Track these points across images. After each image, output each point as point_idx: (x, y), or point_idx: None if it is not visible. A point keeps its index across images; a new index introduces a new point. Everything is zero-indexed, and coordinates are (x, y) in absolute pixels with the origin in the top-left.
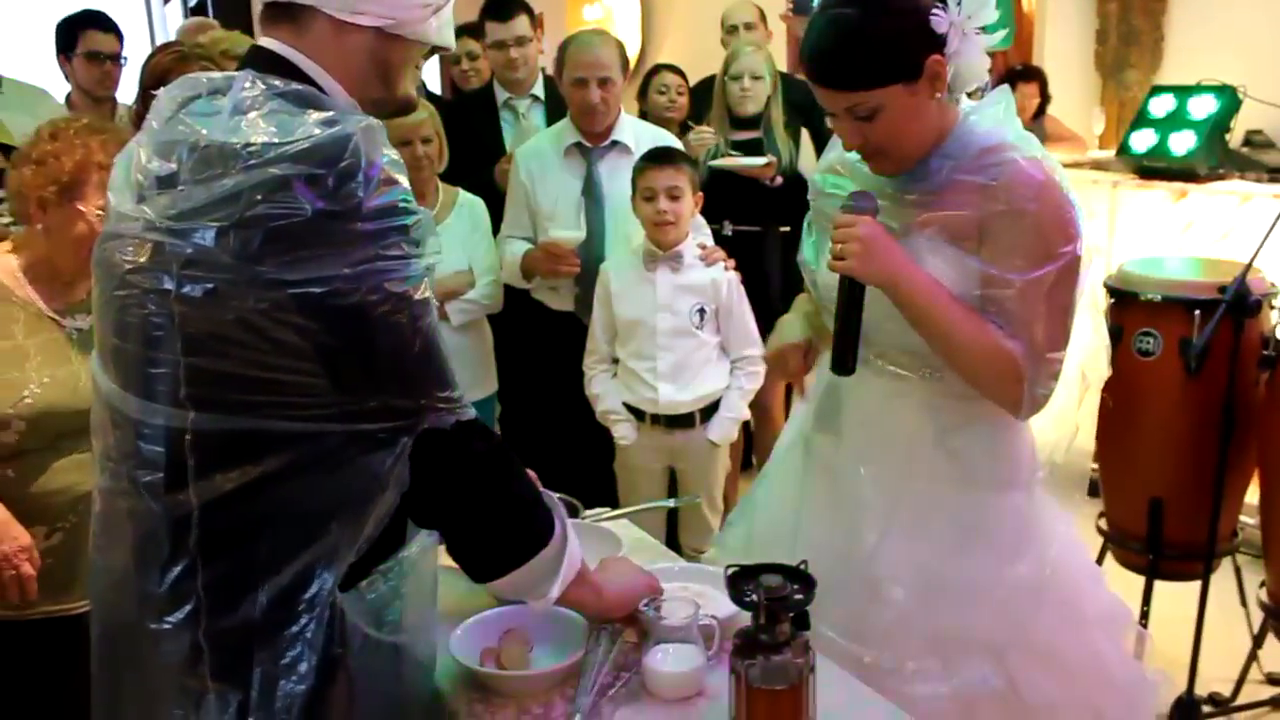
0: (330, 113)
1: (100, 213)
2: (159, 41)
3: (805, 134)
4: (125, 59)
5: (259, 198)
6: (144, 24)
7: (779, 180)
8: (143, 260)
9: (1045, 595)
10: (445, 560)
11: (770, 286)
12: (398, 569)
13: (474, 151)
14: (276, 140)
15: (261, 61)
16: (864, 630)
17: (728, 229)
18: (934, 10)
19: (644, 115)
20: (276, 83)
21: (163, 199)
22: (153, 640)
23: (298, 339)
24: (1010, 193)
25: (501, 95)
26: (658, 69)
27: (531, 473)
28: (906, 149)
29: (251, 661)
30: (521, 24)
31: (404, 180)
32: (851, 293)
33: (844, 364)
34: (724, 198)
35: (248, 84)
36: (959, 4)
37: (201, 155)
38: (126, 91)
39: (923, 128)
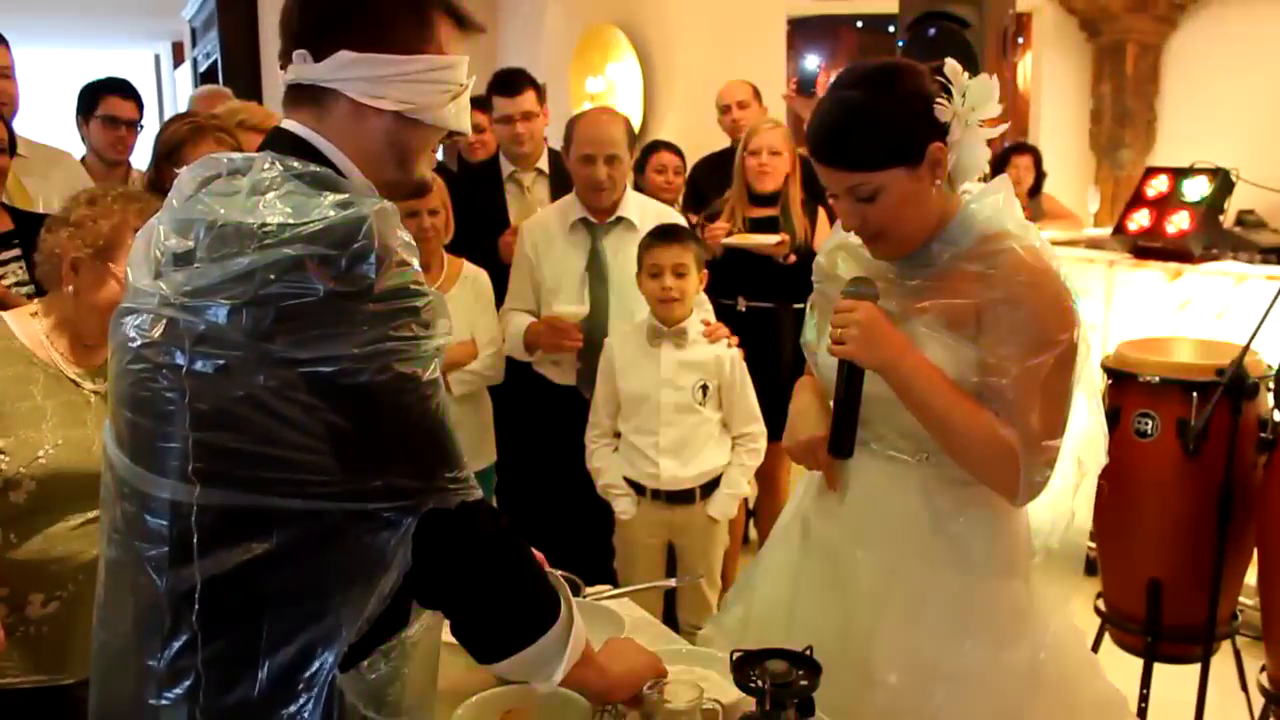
0: (345, 195)
1: None
2: (168, 104)
3: (822, 213)
4: (143, 126)
5: (272, 277)
6: (153, 88)
7: (793, 258)
8: (156, 335)
9: (1040, 683)
10: (446, 637)
11: (782, 363)
12: (400, 649)
13: (478, 223)
14: (292, 221)
15: (282, 143)
16: (858, 715)
17: (741, 305)
18: (938, 99)
19: (638, 190)
20: (295, 164)
21: (178, 275)
22: (151, 716)
23: (305, 417)
24: (1008, 281)
25: (507, 168)
26: (656, 146)
27: (539, 554)
28: (905, 233)
29: None
30: (528, 99)
31: (416, 263)
32: (850, 377)
33: (842, 447)
34: (738, 273)
35: (266, 165)
36: (963, 95)
37: (218, 234)
38: (141, 157)
39: (922, 213)
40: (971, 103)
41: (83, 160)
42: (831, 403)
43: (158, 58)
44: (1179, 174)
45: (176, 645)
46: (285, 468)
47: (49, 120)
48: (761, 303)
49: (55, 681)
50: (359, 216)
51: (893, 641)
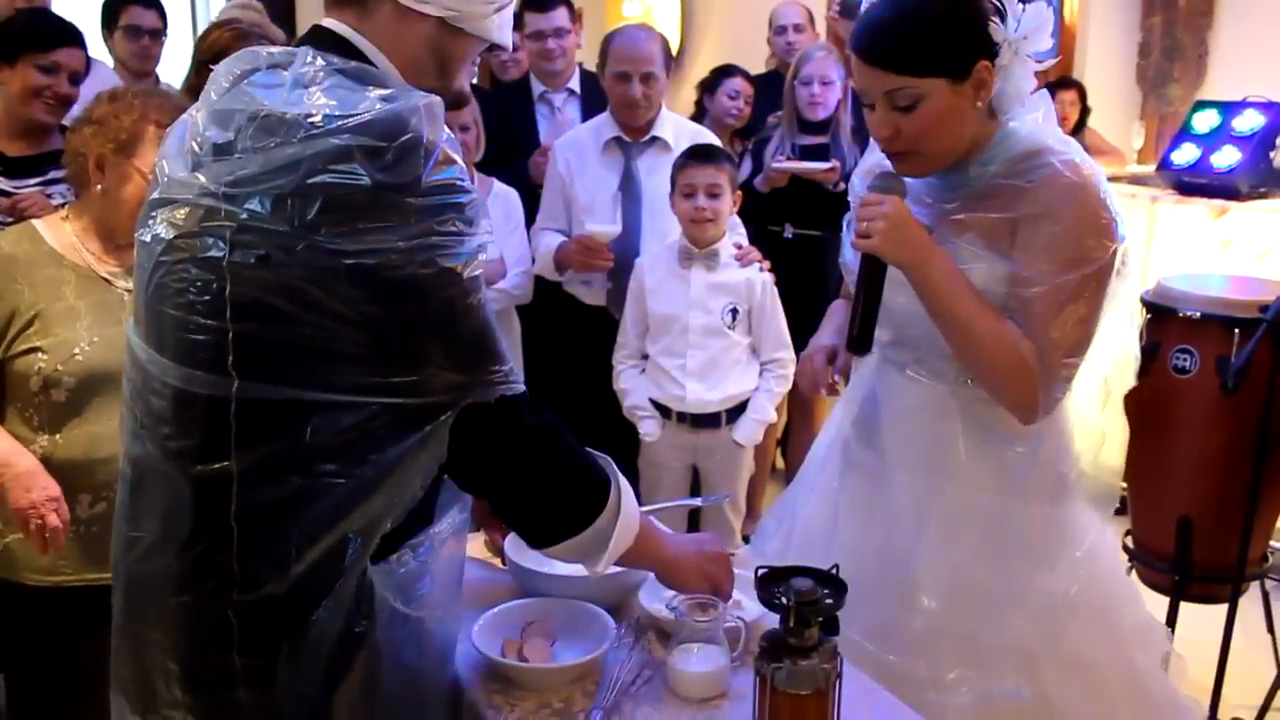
0: (390, 89)
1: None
2: (199, 19)
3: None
4: (167, 35)
5: (319, 166)
6: (186, 3)
7: (842, 185)
8: (194, 226)
9: (1079, 606)
10: (471, 550)
11: (828, 290)
12: (427, 545)
13: (508, 142)
14: (338, 113)
15: (322, 40)
16: (895, 637)
17: (788, 232)
18: (994, 19)
19: (703, 112)
20: (336, 60)
21: (219, 166)
22: (181, 613)
23: (347, 309)
24: (1046, 195)
25: (538, 88)
26: (732, 71)
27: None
28: (936, 150)
29: (280, 633)
30: (560, 15)
31: (460, 160)
32: (872, 272)
33: (862, 343)
34: (786, 200)
35: (309, 59)
36: (1018, 22)
37: (261, 124)
38: (168, 69)
39: (956, 133)
40: (1024, 30)
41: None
42: (851, 299)
43: None
44: (1229, 107)
45: (208, 540)
46: (326, 360)
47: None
48: (809, 230)
49: (107, 580)
50: (408, 109)
51: (931, 564)
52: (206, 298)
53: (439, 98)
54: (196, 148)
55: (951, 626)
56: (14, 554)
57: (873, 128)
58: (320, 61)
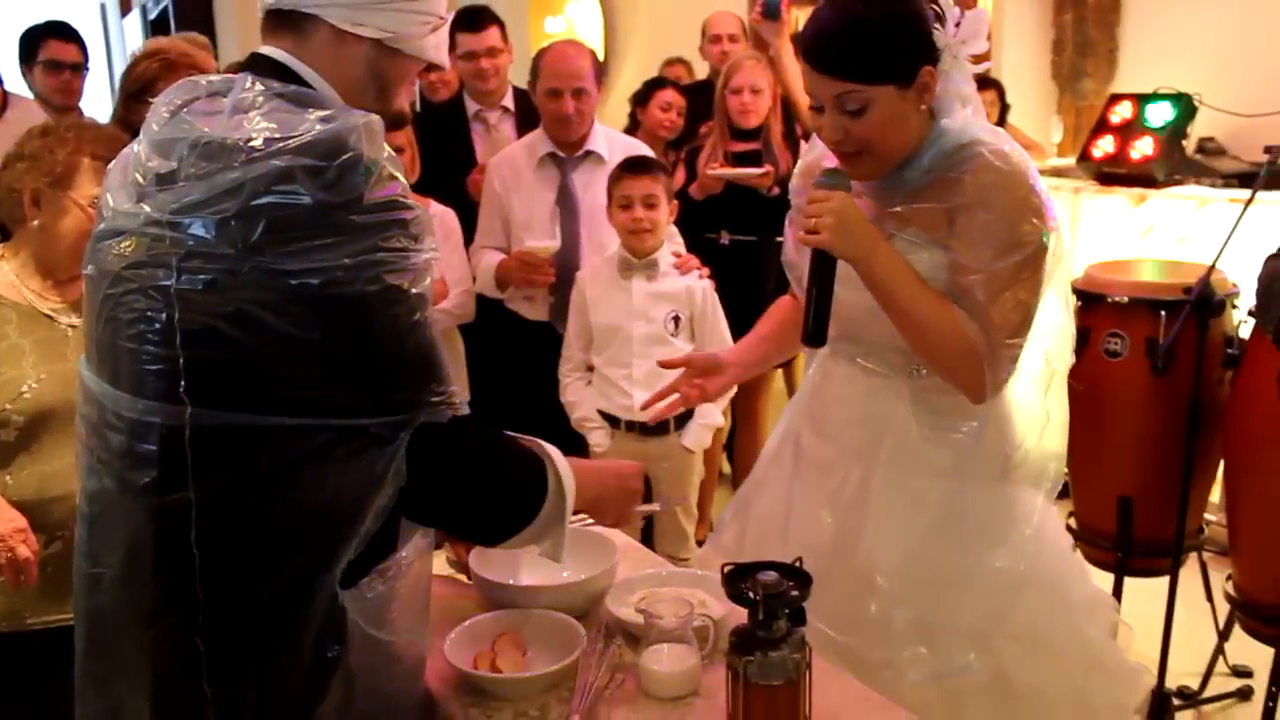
0: (330, 110)
1: (93, 203)
2: (116, 53)
3: (804, 146)
4: (88, 69)
5: (261, 188)
6: (100, 37)
7: (776, 190)
8: (141, 255)
9: (1029, 581)
10: (437, 568)
11: (765, 295)
12: (394, 570)
13: (445, 162)
14: (279, 135)
15: (260, 67)
16: (854, 622)
17: (724, 238)
18: (936, 25)
19: (636, 125)
20: (275, 85)
21: (163, 195)
22: (148, 646)
23: (296, 330)
24: (977, 184)
25: (472, 107)
26: (662, 83)
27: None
28: (884, 152)
29: (250, 662)
30: (493, 35)
31: (402, 176)
32: (822, 267)
33: (816, 337)
34: (721, 207)
35: (248, 85)
36: (956, 26)
37: (203, 151)
38: (91, 102)
39: (903, 135)
40: (964, 35)
41: None
42: (803, 293)
43: (103, 6)
44: (1142, 100)
45: (172, 571)
46: (276, 384)
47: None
48: (745, 236)
49: (66, 621)
50: (348, 128)
51: (886, 549)
52: (156, 326)
53: (378, 116)
54: (140, 179)
55: (905, 608)
56: None
57: (823, 131)
58: (259, 87)
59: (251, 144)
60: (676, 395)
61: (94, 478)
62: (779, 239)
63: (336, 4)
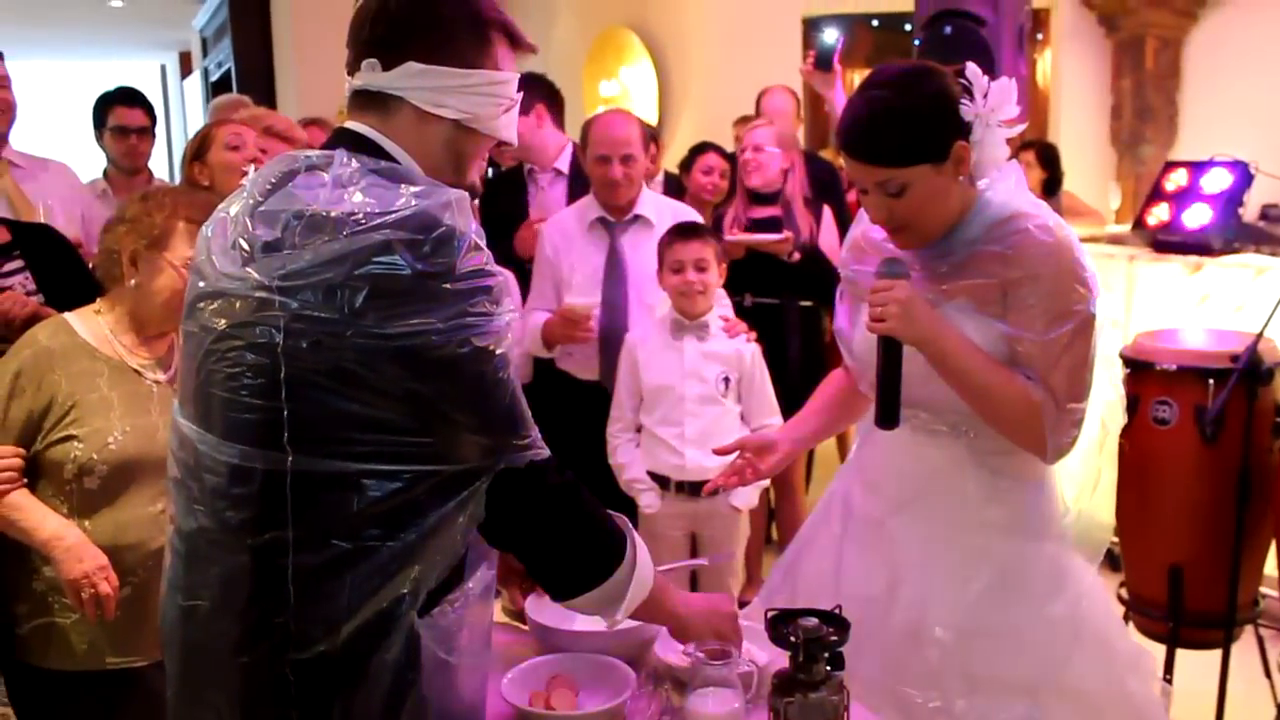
0: (423, 186)
1: (185, 263)
2: (175, 114)
3: (827, 211)
4: (154, 133)
5: (364, 259)
6: (160, 98)
7: (797, 256)
8: (247, 316)
9: (1080, 635)
10: (496, 616)
11: (789, 358)
12: (463, 599)
13: (504, 223)
14: (378, 210)
15: (349, 141)
16: (905, 670)
17: (748, 301)
18: (962, 100)
19: (681, 189)
20: (369, 161)
21: (269, 261)
22: (238, 675)
23: (392, 386)
24: (1026, 259)
25: (526, 167)
26: (705, 147)
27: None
28: (929, 225)
29: (335, 688)
30: (539, 110)
31: (485, 247)
32: (889, 352)
33: (889, 418)
34: (745, 271)
35: (345, 160)
36: (985, 97)
37: (308, 222)
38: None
39: (946, 206)
40: (992, 104)
41: (105, 173)
42: (874, 379)
43: (164, 68)
44: (1198, 167)
45: (265, 604)
46: (372, 432)
47: (62, 134)
48: (768, 299)
49: (131, 664)
50: (440, 203)
51: (943, 604)
52: (261, 380)
53: (465, 192)
54: (245, 245)
55: (960, 660)
56: (36, 641)
57: (869, 211)
58: (355, 164)
59: (354, 217)
60: (734, 474)
61: (191, 517)
62: (802, 303)
63: (421, 87)
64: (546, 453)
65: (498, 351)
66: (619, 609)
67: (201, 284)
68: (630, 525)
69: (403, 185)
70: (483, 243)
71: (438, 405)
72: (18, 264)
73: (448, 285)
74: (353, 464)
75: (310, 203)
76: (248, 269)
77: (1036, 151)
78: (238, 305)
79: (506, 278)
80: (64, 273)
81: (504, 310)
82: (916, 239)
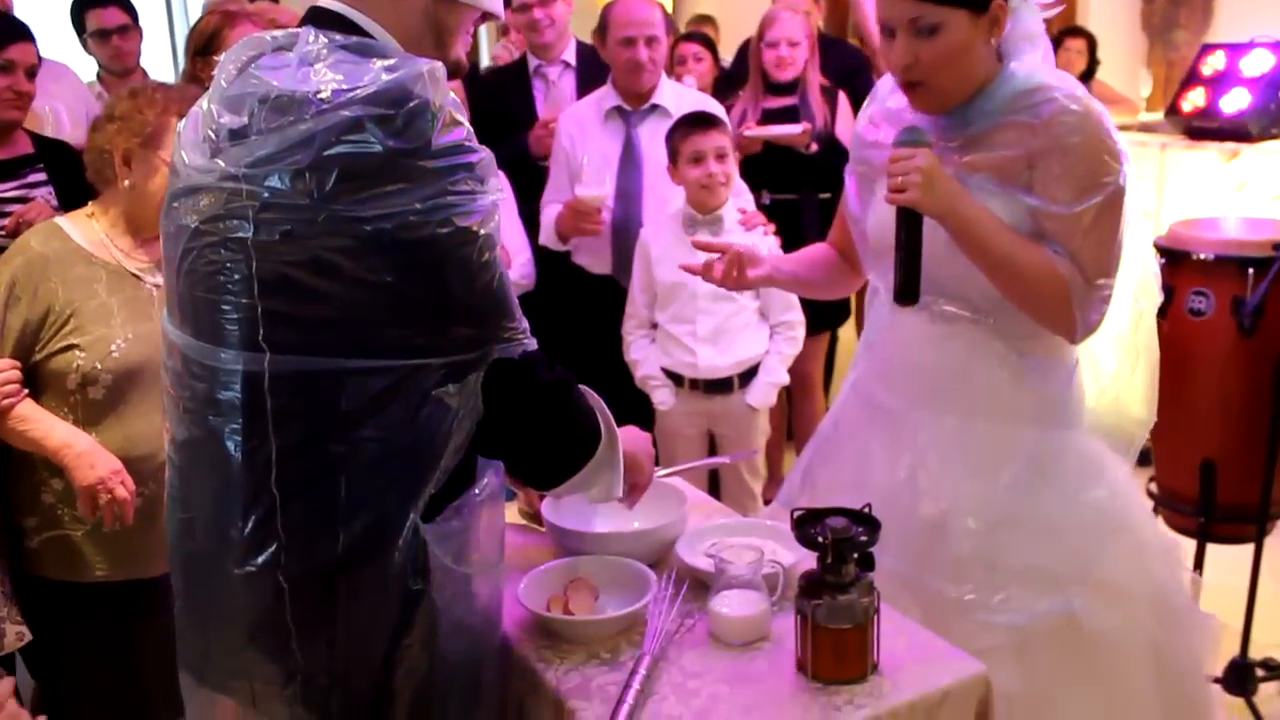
0: (393, 59)
1: None
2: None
3: (842, 99)
4: (138, 30)
5: (332, 139)
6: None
7: (814, 147)
8: (218, 210)
9: (1112, 528)
10: (511, 517)
11: None
12: (469, 505)
13: (506, 120)
14: (346, 86)
15: (322, 20)
16: (934, 563)
17: (765, 198)
18: None
19: None
20: (338, 37)
21: (237, 149)
22: (237, 584)
23: (370, 275)
24: (1054, 129)
25: (533, 63)
26: (688, 37)
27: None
28: (950, 83)
29: (335, 599)
30: None
31: (466, 121)
32: (910, 224)
33: (910, 294)
34: (761, 166)
35: (311, 38)
36: None
37: (273, 105)
38: (154, 63)
39: (970, 67)
40: None
41: (98, 77)
42: (891, 257)
43: None
44: (1236, 49)
45: (257, 513)
46: (352, 328)
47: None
48: (786, 195)
49: (142, 575)
50: (412, 76)
51: (970, 496)
52: (236, 277)
53: (440, 63)
54: (213, 135)
55: (991, 552)
56: (46, 554)
57: (892, 56)
58: (323, 39)
59: (320, 96)
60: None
61: (182, 427)
62: (821, 195)
63: None
64: (534, 344)
65: (482, 232)
66: (614, 482)
67: (176, 182)
68: (600, 403)
69: (373, 59)
70: (463, 116)
71: (420, 291)
72: (41, 176)
73: (424, 162)
74: (334, 361)
75: (275, 83)
76: (216, 160)
77: (1088, 41)
78: (209, 199)
79: (489, 155)
80: (85, 190)
81: (489, 189)
82: (935, 99)
